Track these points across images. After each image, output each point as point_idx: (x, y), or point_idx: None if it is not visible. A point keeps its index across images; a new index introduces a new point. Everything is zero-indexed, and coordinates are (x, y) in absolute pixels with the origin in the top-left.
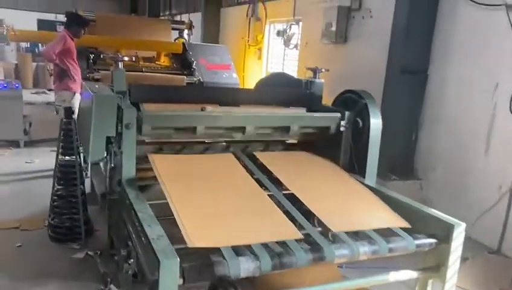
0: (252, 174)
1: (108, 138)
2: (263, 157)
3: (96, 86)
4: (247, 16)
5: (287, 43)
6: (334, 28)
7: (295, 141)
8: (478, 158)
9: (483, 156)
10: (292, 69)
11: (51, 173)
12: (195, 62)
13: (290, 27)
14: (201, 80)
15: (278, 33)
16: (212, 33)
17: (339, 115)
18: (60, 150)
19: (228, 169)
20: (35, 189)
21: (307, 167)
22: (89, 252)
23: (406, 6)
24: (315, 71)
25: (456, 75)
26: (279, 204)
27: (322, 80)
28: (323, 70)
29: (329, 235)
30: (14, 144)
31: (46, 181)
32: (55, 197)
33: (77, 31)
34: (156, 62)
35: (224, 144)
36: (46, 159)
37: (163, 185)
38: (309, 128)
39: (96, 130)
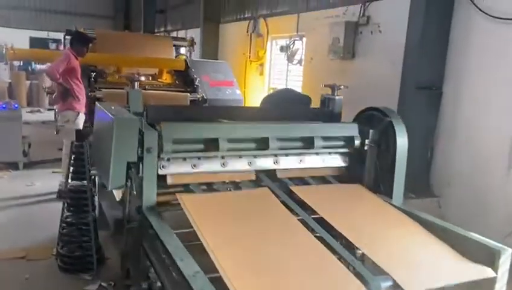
0: (293, 211)
1: (128, 163)
2: (301, 192)
3: (113, 108)
4: (247, 32)
5: (290, 58)
6: (341, 44)
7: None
8: (499, 176)
9: (505, 174)
10: (296, 85)
11: (54, 196)
12: (198, 79)
13: (294, 43)
14: (205, 97)
15: (282, 49)
16: (211, 49)
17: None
18: (70, 175)
19: (268, 208)
20: (39, 214)
21: (349, 200)
22: (103, 284)
23: (420, 22)
24: (333, 88)
25: (472, 91)
26: (334, 251)
27: (341, 97)
28: (341, 87)
29: None
30: (13, 166)
31: (50, 205)
32: (64, 225)
33: (81, 50)
34: (159, 79)
35: (254, 179)
36: (47, 181)
37: (199, 231)
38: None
39: (117, 155)
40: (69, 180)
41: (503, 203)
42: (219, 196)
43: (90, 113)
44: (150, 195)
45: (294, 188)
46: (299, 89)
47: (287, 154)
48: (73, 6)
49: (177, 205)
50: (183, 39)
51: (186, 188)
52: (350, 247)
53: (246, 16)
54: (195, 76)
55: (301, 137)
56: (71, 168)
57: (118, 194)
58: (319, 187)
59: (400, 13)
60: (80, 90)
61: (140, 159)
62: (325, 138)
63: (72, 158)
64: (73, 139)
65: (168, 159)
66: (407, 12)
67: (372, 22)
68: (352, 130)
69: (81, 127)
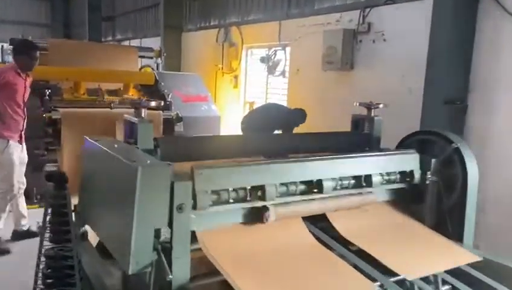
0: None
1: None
2: (338, 221)
3: (116, 145)
4: (217, 41)
5: (271, 70)
6: (339, 53)
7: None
8: None
9: None
10: (278, 98)
11: None
12: (170, 94)
13: (275, 53)
14: (180, 115)
15: (263, 60)
16: (174, 60)
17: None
18: (46, 235)
19: (303, 245)
20: None
21: (404, 236)
22: None
23: (446, 30)
24: (369, 107)
25: (502, 105)
26: None
27: (380, 118)
28: (381, 105)
29: None
30: None
31: None
32: None
33: (25, 62)
34: (124, 95)
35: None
36: None
37: (229, 278)
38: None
39: (142, 221)
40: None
41: None
42: (245, 230)
43: (52, 136)
44: (183, 269)
45: (331, 215)
46: (283, 103)
47: (337, 196)
48: (2, 13)
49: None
50: (150, 49)
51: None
52: None
53: (212, 23)
54: (165, 91)
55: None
56: (47, 227)
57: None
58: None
59: (410, 20)
60: (16, 114)
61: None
62: (383, 173)
63: (48, 211)
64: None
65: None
66: (421, 18)
67: (374, 29)
68: (413, 161)
69: (15, 159)
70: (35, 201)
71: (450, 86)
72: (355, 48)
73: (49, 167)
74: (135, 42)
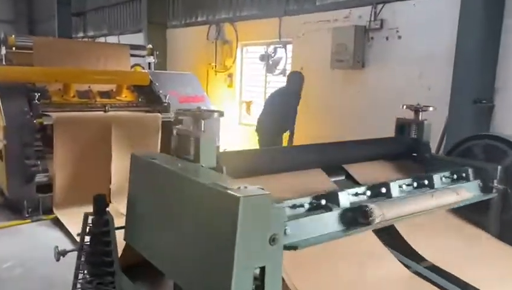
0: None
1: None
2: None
3: (179, 165)
4: (207, 38)
5: (271, 68)
6: (350, 51)
7: None
8: None
9: None
10: None
11: None
12: (167, 96)
13: (276, 50)
14: (179, 117)
15: (262, 58)
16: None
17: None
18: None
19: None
20: None
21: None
22: None
23: (475, 26)
24: (417, 109)
25: None
26: None
27: (429, 122)
28: (430, 108)
29: None
30: None
31: None
32: None
33: None
34: (117, 97)
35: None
36: None
37: None
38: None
39: (244, 261)
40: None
41: None
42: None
43: (43, 144)
44: None
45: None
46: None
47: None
48: None
49: None
50: (142, 47)
51: None
52: None
53: (200, 19)
54: (160, 91)
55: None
56: (83, 271)
57: None
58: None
59: (429, 16)
60: None
61: None
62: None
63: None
64: None
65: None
66: (442, 14)
67: (387, 26)
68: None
69: None
70: (27, 215)
71: (478, 85)
72: (367, 45)
73: (41, 178)
74: (112, 39)
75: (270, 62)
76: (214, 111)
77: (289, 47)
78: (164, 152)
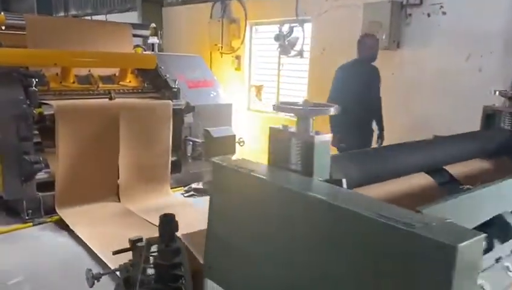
0: None
1: None
2: None
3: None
4: (211, 16)
5: (286, 50)
6: (386, 30)
7: None
8: None
9: None
10: (294, 82)
11: None
12: (177, 81)
13: (291, 30)
14: (191, 105)
15: (278, 38)
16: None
17: None
18: None
19: None
20: None
21: None
22: None
23: None
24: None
25: None
26: None
27: None
28: None
29: None
30: None
31: None
32: None
33: None
34: (120, 82)
35: None
36: None
37: None
38: None
39: None
40: None
41: None
42: None
43: (42, 136)
44: None
45: None
46: (303, 90)
47: None
48: None
49: None
50: (145, 26)
51: None
52: None
53: None
54: (167, 76)
55: None
56: None
57: None
58: None
59: None
60: None
61: None
62: None
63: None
64: None
65: None
66: None
67: (429, 1)
68: None
69: None
70: (27, 218)
71: None
72: (404, 23)
73: (41, 175)
74: (99, 19)
75: (286, 43)
76: (327, 106)
77: (307, 26)
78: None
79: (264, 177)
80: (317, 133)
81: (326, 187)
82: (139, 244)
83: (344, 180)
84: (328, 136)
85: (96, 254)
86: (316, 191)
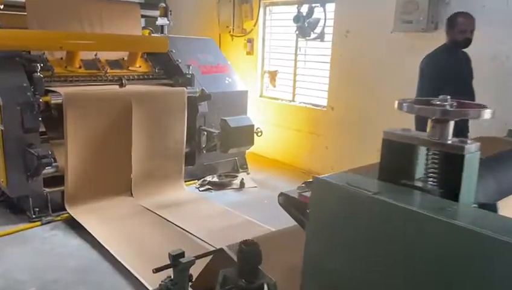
0: None
1: None
2: None
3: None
4: None
5: (306, 32)
6: (424, 10)
7: None
8: None
9: None
10: (313, 67)
11: None
12: (190, 66)
13: (311, 10)
14: (206, 92)
15: (297, 19)
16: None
17: None
18: None
19: None
20: None
21: None
22: None
23: None
24: None
25: None
26: None
27: None
28: None
29: None
30: None
31: None
32: None
33: None
34: (130, 68)
35: None
36: None
37: None
38: None
39: None
40: None
41: None
42: None
43: (48, 127)
44: None
45: None
46: (325, 78)
47: None
48: None
49: None
50: (154, 6)
51: None
52: None
53: None
54: (179, 60)
55: None
56: None
57: None
58: None
59: None
60: None
61: None
62: None
63: None
64: None
65: None
66: None
67: None
68: None
69: None
70: (34, 217)
71: None
72: (443, 2)
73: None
74: None
75: (306, 24)
76: (481, 107)
77: (329, 6)
78: None
79: (393, 202)
80: (461, 141)
81: (485, 217)
82: (181, 260)
83: (498, 205)
84: (477, 146)
85: (113, 258)
86: (482, 225)
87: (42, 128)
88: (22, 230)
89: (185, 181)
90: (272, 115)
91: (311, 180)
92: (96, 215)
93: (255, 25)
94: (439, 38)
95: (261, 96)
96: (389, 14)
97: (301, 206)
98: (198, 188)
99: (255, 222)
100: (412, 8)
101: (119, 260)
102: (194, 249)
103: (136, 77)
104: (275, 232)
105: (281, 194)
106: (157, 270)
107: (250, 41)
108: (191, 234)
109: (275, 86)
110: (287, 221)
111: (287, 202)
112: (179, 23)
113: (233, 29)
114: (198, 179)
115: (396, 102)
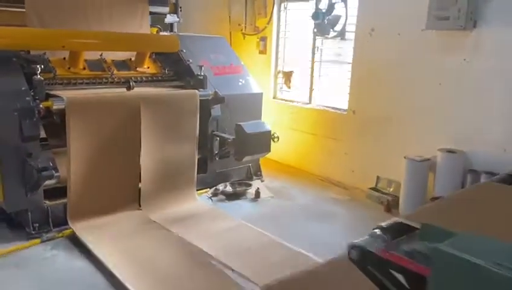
0: None
1: None
2: None
3: None
4: None
5: (325, 30)
6: (463, 5)
7: None
8: None
9: None
10: (333, 70)
11: None
12: (202, 67)
13: (332, 6)
14: (220, 95)
15: (316, 16)
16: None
17: None
18: None
19: None
20: None
21: None
22: None
23: None
24: None
25: None
26: None
27: None
28: None
29: None
30: None
31: None
32: None
33: None
34: (137, 69)
35: None
36: None
37: None
38: None
39: None
40: None
41: None
42: None
43: (49, 134)
44: None
45: None
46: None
47: None
48: None
49: None
50: (163, 2)
51: None
52: None
53: None
54: (190, 61)
55: None
56: None
57: None
58: None
59: None
60: None
61: None
62: None
63: None
64: None
65: None
66: None
67: None
68: None
69: None
70: (33, 233)
71: None
72: None
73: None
74: None
75: (325, 22)
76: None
77: (351, 2)
78: None
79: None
80: None
81: None
82: None
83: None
84: None
85: (122, 285)
86: None
87: (42, 134)
88: (19, 249)
89: (197, 189)
90: (286, 118)
91: (384, 224)
92: (102, 232)
93: (268, 23)
94: (479, 36)
95: (274, 98)
96: (421, 10)
97: (382, 265)
98: (210, 197)
99: (283, 243)
100: (447, 3)
101: (129, 288)
102: (214, 274)
103: (144, 78)
104: (320, 267)
105: (354, 247)
106: None
107: (263, 39)
108: (209, 255)
109: (289, 88)
110: (310, 238)
111: (363, 258)
112: (186, 20)
113: (245, 27)
114: (209, 187)
115: None
